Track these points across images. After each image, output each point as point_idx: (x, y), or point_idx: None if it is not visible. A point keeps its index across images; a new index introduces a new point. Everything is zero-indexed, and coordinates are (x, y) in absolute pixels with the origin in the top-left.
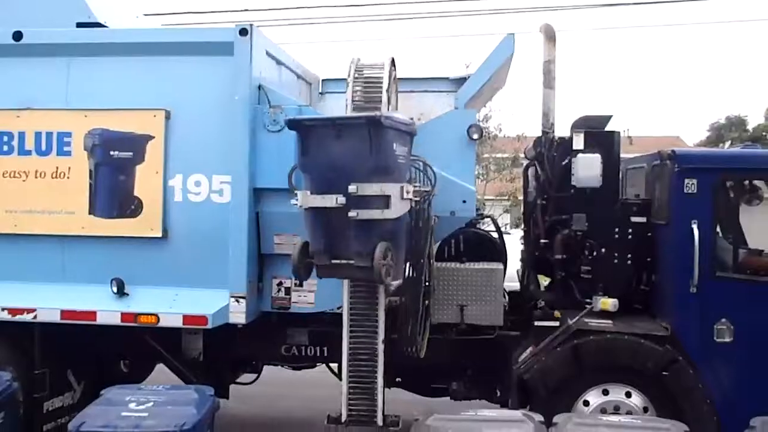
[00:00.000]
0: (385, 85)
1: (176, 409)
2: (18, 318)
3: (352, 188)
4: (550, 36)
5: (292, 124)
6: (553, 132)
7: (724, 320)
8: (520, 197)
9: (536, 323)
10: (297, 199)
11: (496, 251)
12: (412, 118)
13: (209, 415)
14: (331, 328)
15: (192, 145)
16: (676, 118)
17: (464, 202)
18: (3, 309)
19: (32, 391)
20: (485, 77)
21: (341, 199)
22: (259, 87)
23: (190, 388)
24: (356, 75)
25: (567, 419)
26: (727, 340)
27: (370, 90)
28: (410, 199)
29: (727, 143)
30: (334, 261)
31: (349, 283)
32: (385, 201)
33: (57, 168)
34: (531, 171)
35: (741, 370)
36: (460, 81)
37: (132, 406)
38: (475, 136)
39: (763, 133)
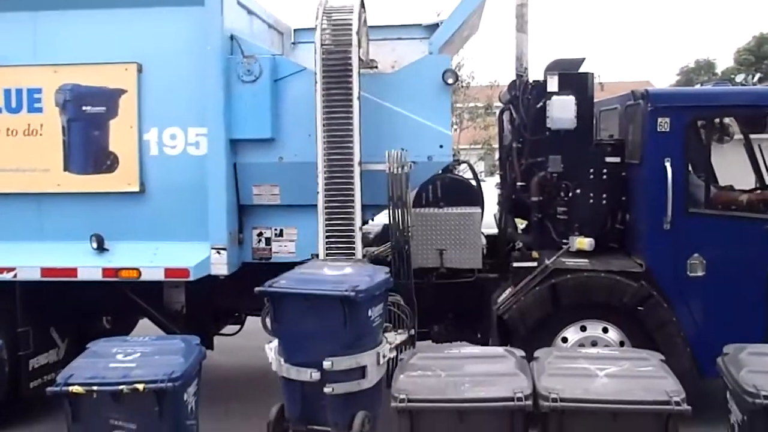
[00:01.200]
0: (354, 28)
1: (164, 359)
2: None
3: (326, 364)
4: None
5: (262, 293)
6: (527, 76)
7: (696, 255)
8: (495, 145)
9: (514, 264)
10: (272, 362)
11: (473, 196)
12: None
13: (197, 363)
14: None
15: (166, 98)
16: (646, 63)
17: (441, 146)
18: None
19: (16, 349)
20: (458, 22)
21: (316, 375)
22: (231, 37)
23: (177, 338)
24: (325, 18)
25: (548, 353)
26: (700, 274)
27: (340, 34)
28: (387, 361)
29: (697, 86)
30: (310, 427)
31: (324, 234)
32: (361, 372)
33: (29, 125)
34: (506, 115)
35: (713, 302)
36: (433, 27)
37: (119, 357)
38: (450, 81)
39: (732, 76)
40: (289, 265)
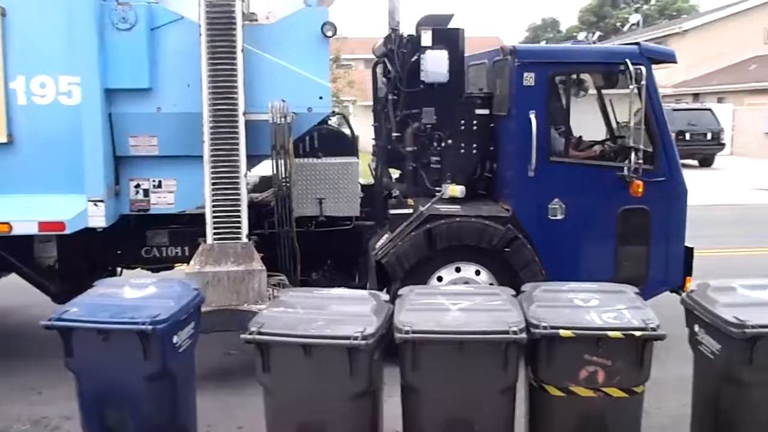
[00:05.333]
0: None
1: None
2: None
3: None
4: None
5: (47, 327)
6: (399, 30)
7: (556, 200)
8: (342, 97)
9: (391, 212)
10: None
11: (348, 146)
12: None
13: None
14: (191, 228)
15: (33, 45)
16: (495, 20)
17: (321, 98)
18: None
19: None
20: None
21: None
22: None
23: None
24: None
25: (409, 291)
26: (559, 217)
27: None
28: None
29: (542, 43)
30: None
31: (210, 183)
32: None
33: None
34: (380, 68)
35: (570, 243)
36: None
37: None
38: (329, 33)
39: (574, 34)
40: (167, 217)
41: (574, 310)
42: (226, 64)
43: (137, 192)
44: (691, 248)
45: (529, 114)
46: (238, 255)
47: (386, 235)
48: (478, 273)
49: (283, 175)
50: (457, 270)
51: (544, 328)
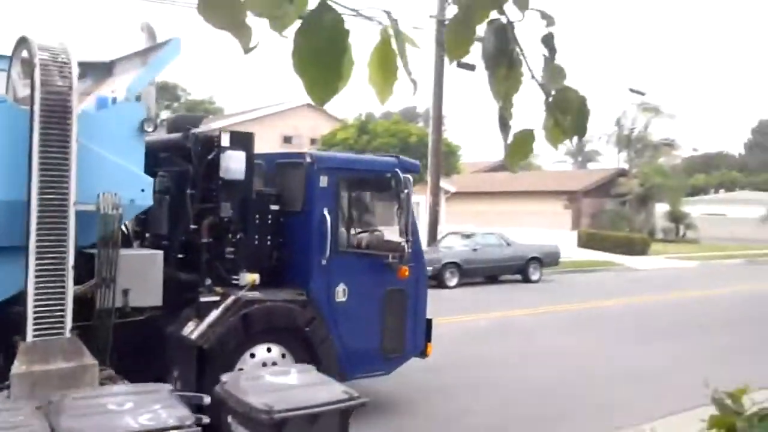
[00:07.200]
0: (75, 70)
1: None
2: None
3: None
4: (152, 34)
5: None
6: (156, 126)
7: (341, 284)
8: None
9: (202, 299)
10: None
11: (126, 237)
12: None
13: None
14: None
15: None
16: None
17: (143, 190)
18: None
19: None
20: (158, 71)
21: None
22: None
23: None
24: (42, 57)
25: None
26: (343, 299)
27: (60, 74)
28: None
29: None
30: None
31: (35, 275)
32: None
33: None
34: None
35: (350, 321)
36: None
37: None
38: (150, 129)
39: None
40: None
41: (108, 416)
42: (58, 154)
43: None
44: (431, 319)
45: (323, 210)
46: (65, 351)
47: (192, 323)
48: (269, 350)
49: (110, 267)
50: (252, 356)
51: None
